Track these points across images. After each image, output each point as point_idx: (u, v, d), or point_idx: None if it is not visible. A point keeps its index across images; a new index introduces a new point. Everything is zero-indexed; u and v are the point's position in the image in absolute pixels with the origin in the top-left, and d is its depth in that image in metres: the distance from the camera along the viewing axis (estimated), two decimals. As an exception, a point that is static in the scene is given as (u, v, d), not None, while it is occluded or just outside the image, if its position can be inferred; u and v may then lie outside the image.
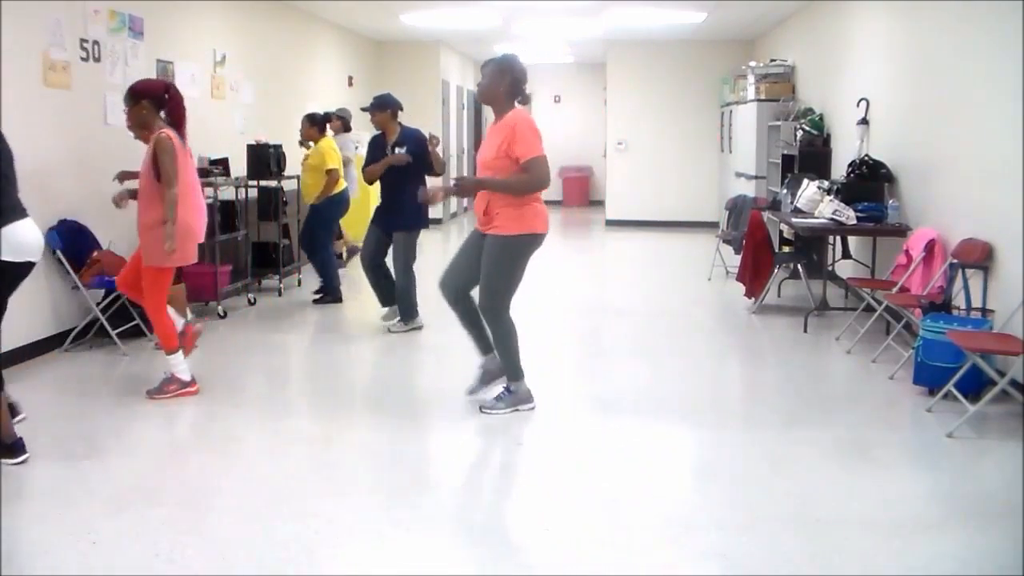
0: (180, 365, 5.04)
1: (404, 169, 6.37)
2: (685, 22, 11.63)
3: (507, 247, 4.56)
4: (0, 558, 3.09)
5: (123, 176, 5.88)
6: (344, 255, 9.74)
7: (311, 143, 7.97)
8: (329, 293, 7.80)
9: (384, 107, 6.58)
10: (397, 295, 6.62)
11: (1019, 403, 4.65)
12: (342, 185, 7.96)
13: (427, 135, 6.33)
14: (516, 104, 4.64)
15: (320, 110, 9.34)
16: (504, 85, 4.59)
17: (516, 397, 4.75)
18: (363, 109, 6.92)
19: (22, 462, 3.97)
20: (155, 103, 4.90)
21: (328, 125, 8.41)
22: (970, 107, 5.65)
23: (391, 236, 6.57)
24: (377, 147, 6.64)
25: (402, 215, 6.45)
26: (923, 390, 5.03)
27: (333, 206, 7.88)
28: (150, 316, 5.04)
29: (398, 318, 6.66)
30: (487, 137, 4.74)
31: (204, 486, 3.82)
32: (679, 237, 12.76)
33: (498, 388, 4.83)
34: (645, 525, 3.43)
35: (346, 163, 8.73)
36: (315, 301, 7.79)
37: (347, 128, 9.53)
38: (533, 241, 4.61)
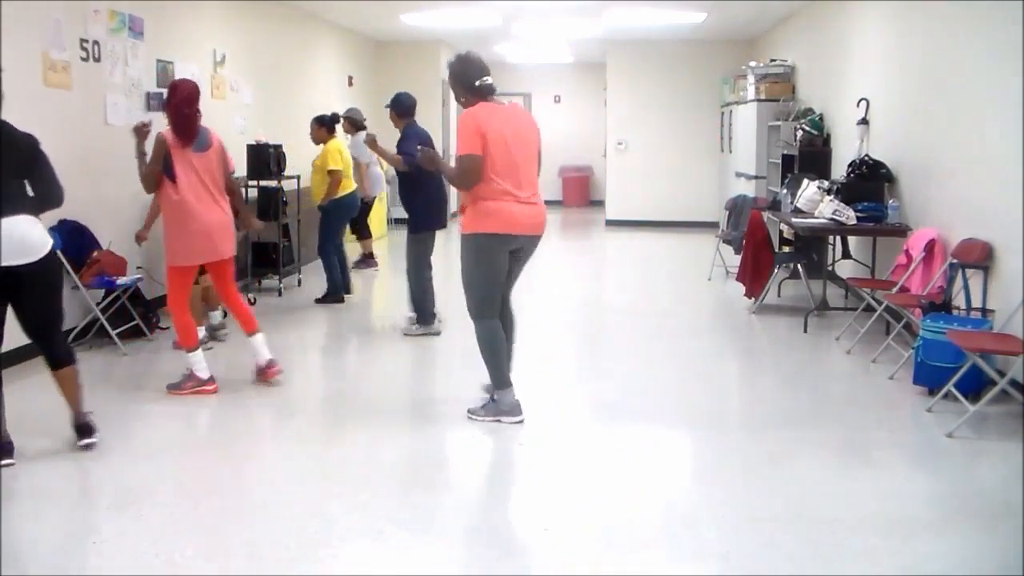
0: (199, 364, 5.09)
1: (409, 171, 6.36)
2: (685, 22, 11.63)
3: (466, 246, 4.50)
4: (0, 558, 3.09)
5: None
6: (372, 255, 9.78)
7: (321, 144, 7.98)
8: (330, 293, 7.82)
9: (394, 106, 6.64)
10: (410, 298, 6.61)
11: (1019, 403, 4.65)
12: (349, 187, 7.94)
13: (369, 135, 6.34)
14: (484, 99, 4.50)
15: (328, 111, 9.31)
16: (459, 89, 4.55)
17: (498, 408, 4.60)
18: (386, 106, 6.94)
19: (8, 465, 3.95)
20: (164, 103, 5.07)
21: (337, 126, 8.36)
22: (970, 107, 5.65)
23: None
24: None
25: (410, 216, 6.45)
26: (923, 390, 5.03)
27: (339, 208, 7.87)
28: (170, 312, 5.13)
29: (415, 323, 6.61)
30: None
31: (205, 486, 3.82)
32: (679, 237, 12.76)
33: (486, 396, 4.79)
34: (645, 525, 3.43)
35: (357, 165, 8.71)
36: (317, 300, 7.80)
37: (358, 128, 9.36)
38: (492, 242, 4.42)
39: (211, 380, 5.11)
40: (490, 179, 4.38)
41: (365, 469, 4.09)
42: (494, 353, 4.56)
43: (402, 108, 6.61)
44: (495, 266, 4.48)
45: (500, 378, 4.59)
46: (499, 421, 4.58)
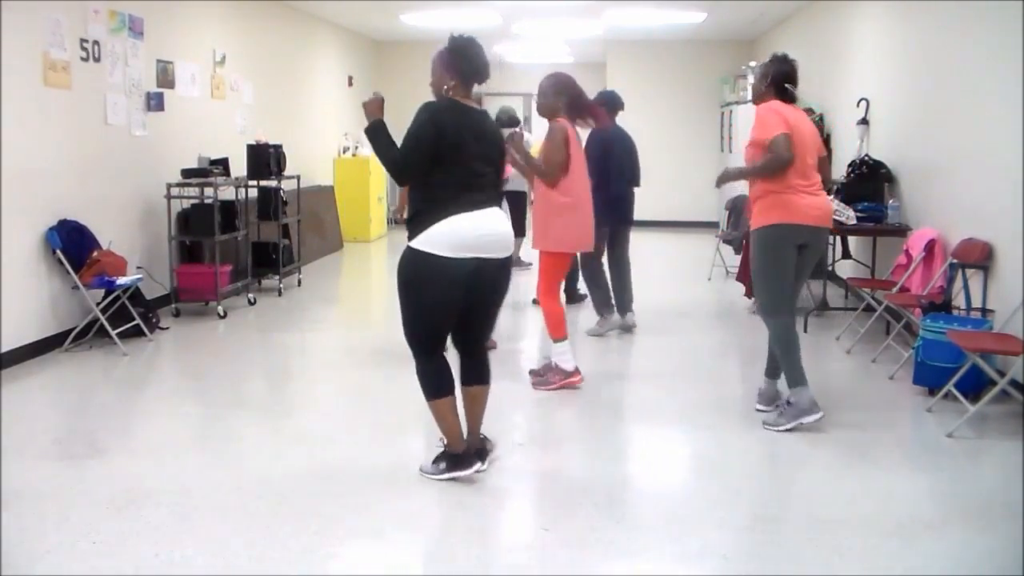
0: (564, 355, 5.10)
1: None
2: (685, 22, 11.63)
3: (756, 241, 4.47)
4: (0, 558, 3.09)
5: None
6: None
7: None
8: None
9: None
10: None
11: (1019, 403, 4.65)
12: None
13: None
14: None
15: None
16: (764, 84, 4.57)
17: (797, 409, 4.39)
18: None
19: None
20: (566, 95, 5.28)
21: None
22: (970, 107, 5.65)
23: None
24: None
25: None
26: (923, 390, 5.03)
27: None
28: (540, 300, 5.14)
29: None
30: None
31: (204, 486, 3.82)
32: (679, 237, 12.76)
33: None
34: (645, 525, 3.43)
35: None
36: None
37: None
38: (780, 232, 4.35)
39: (575, 372, 5.12)
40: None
41: (364, 469, 4.09)
42: (789, 351, 4.41)
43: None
44: (782, 259, 4.38)
45: (796, 377, 4.41)
46: (800, 424, 4.37)
